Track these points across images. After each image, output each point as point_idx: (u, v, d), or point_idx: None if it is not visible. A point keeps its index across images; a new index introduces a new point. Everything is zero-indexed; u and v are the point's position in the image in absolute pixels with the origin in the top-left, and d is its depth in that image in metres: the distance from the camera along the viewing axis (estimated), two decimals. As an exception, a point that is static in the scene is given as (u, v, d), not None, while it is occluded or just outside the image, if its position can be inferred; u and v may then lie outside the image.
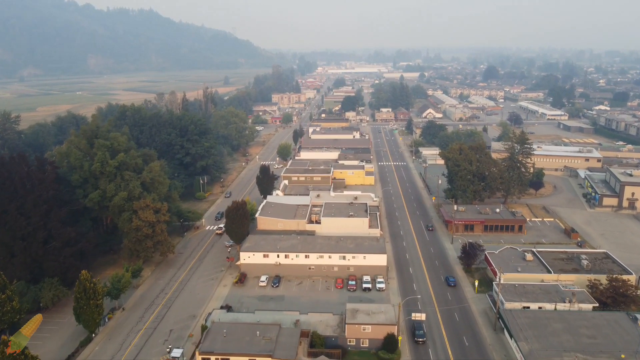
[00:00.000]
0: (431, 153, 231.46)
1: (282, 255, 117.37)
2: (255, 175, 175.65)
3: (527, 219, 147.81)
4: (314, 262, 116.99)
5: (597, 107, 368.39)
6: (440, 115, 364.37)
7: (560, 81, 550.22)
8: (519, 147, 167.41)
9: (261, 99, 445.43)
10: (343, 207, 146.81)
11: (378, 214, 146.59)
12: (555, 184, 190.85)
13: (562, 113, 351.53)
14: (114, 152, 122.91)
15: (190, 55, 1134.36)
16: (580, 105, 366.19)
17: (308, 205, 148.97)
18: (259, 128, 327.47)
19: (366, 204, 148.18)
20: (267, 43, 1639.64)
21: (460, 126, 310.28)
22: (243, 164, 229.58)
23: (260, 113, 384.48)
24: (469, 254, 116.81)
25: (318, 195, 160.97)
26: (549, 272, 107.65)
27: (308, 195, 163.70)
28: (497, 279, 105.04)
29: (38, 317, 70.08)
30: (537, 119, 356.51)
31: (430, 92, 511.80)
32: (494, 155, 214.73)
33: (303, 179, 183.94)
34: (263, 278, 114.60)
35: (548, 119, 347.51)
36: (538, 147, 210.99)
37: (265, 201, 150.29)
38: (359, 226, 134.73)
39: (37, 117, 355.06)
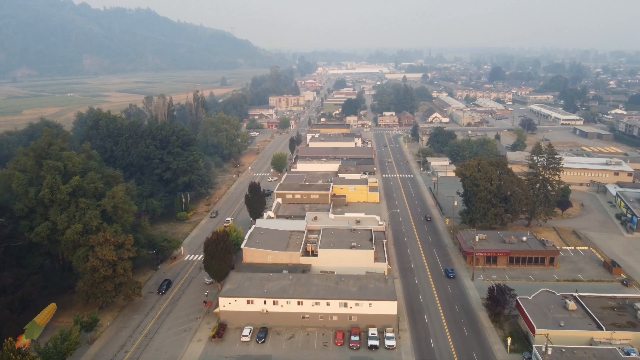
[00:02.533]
0: (440, 164, 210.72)
1: (269, 301, 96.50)
2: (249, 186, 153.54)
3: (558, 247, 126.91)
4: (309, 310, 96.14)
5: (612, 111, 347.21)
6: (447, 120, 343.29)
7: (570, 83, 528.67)
8: (544, 160, 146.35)
9: (258, 101, 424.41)
10: (344, 234, 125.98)
11: (385, 241, 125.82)
12: (582, 201, 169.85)
13: (577, 118, 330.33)
14: (68, 175, 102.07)
15: (188, 55, 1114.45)
16: (595, 110, 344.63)
17: (303, 232, 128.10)
18: (253, 134, 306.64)
19: (371, 230, 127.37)
20: (267, 43, 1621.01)
21: (470, 132, 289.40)
22: (234, 176, 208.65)
23: (257, 117, 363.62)
24: (498, 300, 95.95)
25: (315, 218, 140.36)
26: (600, 327, 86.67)
27: (304, 217, 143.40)
28: (535, 336, 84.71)
29: (52, 306, 69.84)
30: (550, 123, 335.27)
31: (434, 94, 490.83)
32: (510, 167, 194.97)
33: (299, 196, 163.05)
34: (246, 331, 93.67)
35: (562, 124, 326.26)
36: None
37: (253, 227, 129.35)
38: (362, 260, 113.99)
39: (20, 121, 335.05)
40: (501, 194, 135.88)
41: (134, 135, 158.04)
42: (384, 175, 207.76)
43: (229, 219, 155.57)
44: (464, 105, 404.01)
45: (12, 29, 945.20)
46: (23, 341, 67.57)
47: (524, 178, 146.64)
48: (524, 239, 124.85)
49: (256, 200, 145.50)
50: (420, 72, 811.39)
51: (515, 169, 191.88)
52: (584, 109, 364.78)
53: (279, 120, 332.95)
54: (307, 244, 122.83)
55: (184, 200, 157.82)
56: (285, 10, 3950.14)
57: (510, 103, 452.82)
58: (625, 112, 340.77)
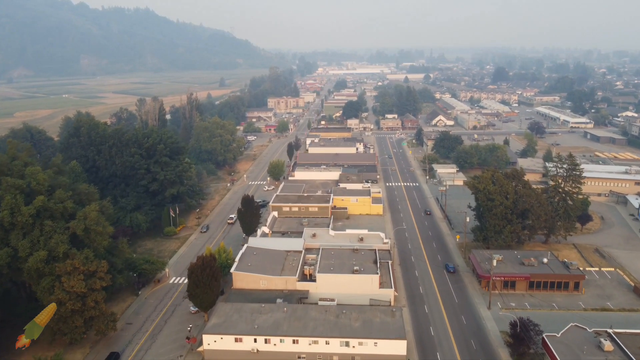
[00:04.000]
0: (447, 172, 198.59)
1: (260, 339, 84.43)
2: (241, 200, 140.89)
3: (580, 268, 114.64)
4: (306, 350, 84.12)
5: (623, 114, 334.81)
6: (451, 123, 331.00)
7: (576, 84, 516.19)
8: (564, 171, 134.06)
9: (256, 103, 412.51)
10: (345, 254, 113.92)
11: (390, 262, 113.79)
12: (601, 214, 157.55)
13: (587, 120, 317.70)
14: (33, 194, 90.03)
15: (187, 56, 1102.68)
16: (606, 112, 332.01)
17: (300, 253, 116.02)
18: (250, 138, 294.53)
19: (375, 250, 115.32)
20: (267, 43, 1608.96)
21: (476, 136, 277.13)
22: (228, 184, 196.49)
23: (254, 120, 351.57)
24: (522, 338, 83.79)
25: (314, 235, 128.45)
26: (643, 374, 74.61)
27: (301, 232, 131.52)
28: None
29: (52, 306, 69.70)
30: (558, 126, 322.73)
31: (438, 96, 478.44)
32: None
33: (296, 209, 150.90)
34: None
35: (571, 127, 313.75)
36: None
37: (245, 246, 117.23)
38: (366, 286, 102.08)
39: (10, 124, 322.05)
40: (517, 209, 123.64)
41: (118, 143, 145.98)
42: (387, 184, 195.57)
43: (232, 215, 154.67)
44: (469, 107, 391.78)
45: (9, 29, 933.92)
46: (23, 341, 66.78)
47: (538, 187, 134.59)
48: (545, 260, 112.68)
49: (249, 215, 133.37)
50: (421, 72, 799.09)
51: (527, 177, 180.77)
52: (593, 111, 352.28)
53: (277, 124, 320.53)
54: (305, 266, 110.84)
55: (172, 213, 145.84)
56: (285, 10, 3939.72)
57: (516, 105, 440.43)
58: (636, 115, 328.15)
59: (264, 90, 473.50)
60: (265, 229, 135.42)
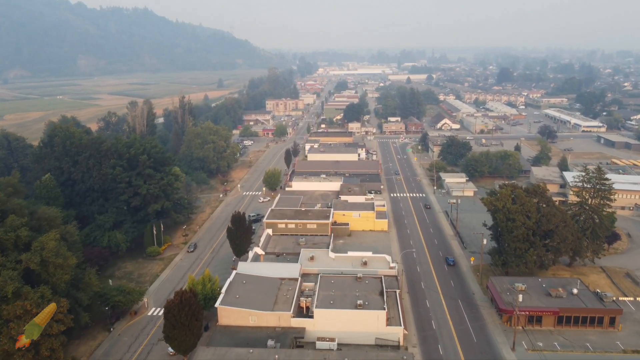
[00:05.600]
0: (456, 181, 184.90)
1: (246, 397, 70.90)
2: (231, 217, 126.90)
3: (614, 298, 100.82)
4: (300, 410, 70.52)
5: (636, 117, 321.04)
6: (457, 126, 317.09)
7: (583, 85, 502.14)
8: (592, 186, 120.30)
9: (254, 105, 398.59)
10: (347, 283, 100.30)
11: (398, 292, 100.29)
12: (627, 230, 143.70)
13: (600, 124, 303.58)
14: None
15: (186, 56, 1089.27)
16: (619, 115, 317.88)
17: (296, 280, 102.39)
18: (247, 143, 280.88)
19: (380, 279, 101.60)
20: (267, 43, 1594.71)
21: (484, 141, 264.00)
22: (220, 195, 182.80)
23: (252, 123, 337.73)
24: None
25: (312, 258, 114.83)
26: None
27: (298, 254, 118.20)
28: None
29: (52, 306, 69.44)
30: (569, 130, 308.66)
31: (441, 97, 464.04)
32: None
33: (293, 226, 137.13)
34: None
35: (583, 131, 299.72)
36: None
37: (234, 273, 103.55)
38: (371, 323, 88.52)
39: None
40: (541, 230, 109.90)
41: (96, 154, 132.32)
42: (392, 195, 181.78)
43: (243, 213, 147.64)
44: (474, 109, 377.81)
45: (5, 29, 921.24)
46: (23, 341, 65.92)
47: (556, 199, 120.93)
48: (575, 290, 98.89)
49: (240, 235, 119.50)
50: (423, 72, 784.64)
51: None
52: (604, 114, 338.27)
53: (275, 127, 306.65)
54: (302, 297, 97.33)
55: (155, 231, 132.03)
56: (286, 10, 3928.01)
57: (523, 107, 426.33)
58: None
59: (262, 92, 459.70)
60: (259, 250, 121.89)
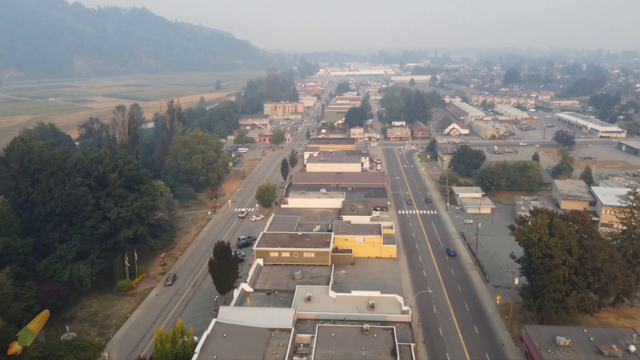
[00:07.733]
0: (471, 196, 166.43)
1: None
2: (213, 249, 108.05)
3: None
4: None
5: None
6: (466, 132, 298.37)
7: (594, 86, 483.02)
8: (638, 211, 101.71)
9: (251, 109, 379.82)
10: (351, 338, 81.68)
11: (413, 346, 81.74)
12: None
13: (619, 129, 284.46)
14: None
15: (184, 57, 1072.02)
16: (639, 119, 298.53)
17: (289, 331, 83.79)
18: (242, 150, 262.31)
19: (392, 330, 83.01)
20: (267, 43, 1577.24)
21: (496, 148, 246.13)
22: (209, 212, 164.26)
23: (248, 128, 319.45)
24: None
25: (308, 298, 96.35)
26: None
27: (293, 291, 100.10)
28: None
29: (45, 313, 69.93)
30: (586, 136, 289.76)
31: (447, 100, 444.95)
32: (564, 205, 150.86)
33: (287, 254, 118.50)
34: None
35: (601, 137, 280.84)
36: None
37: (213, 323, 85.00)
38: (382, 397, 69.81)
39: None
40: (584, 269, 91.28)
41: (59, 171, 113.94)
42: (399, 212, 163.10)
43: (243, 210, 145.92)
44: (483, 113, 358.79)
45: (0, 29, 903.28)
46: (15, 348, 63.59)
47: (600, 228, 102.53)
48: (632, 348, 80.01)
49: (224, 270, 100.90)
50: (427, 73, 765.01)
51: (569, 205, 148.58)
52: (622, 117, 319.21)
53: (272, 133, 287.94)
54: (294, 357, 78.79)
55: (127, 261, 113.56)
56: (286, 10, 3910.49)
57: (533, 110, 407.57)
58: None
59: (260, 94, 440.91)
60: (246, 287, 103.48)
